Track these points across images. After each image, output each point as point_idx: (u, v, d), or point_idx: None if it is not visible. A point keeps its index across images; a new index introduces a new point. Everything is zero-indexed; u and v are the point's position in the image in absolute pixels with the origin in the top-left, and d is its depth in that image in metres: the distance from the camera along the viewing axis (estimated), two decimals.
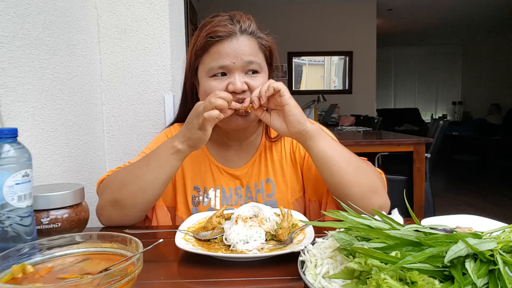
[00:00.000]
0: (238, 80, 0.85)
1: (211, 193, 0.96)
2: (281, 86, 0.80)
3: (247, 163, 0.99)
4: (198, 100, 0.96)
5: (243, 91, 0.86)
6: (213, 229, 0.77)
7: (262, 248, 0.68)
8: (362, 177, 0.83)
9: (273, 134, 1.01)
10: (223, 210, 0.83)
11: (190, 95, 0.99)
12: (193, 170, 0.98)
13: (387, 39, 8.34)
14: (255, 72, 0.89)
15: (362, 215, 0.56)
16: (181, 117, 1.05)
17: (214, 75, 0.87)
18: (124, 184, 0.83)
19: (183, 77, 1.00)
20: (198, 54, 0.89)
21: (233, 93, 0.85)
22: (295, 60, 6.45)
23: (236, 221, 0.72)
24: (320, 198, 0.96)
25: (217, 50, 0.86)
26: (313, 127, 0.83)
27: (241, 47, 0.86)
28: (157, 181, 0.82)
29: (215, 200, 0.96)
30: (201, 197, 0.96)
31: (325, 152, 0.82)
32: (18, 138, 0.65)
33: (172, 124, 1.08)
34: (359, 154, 1.00)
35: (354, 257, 0.47)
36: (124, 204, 0.83)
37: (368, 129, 4.05)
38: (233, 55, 0.85)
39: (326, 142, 0.83)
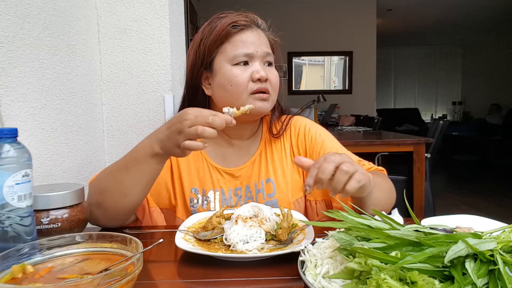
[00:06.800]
0: (262, 69, 0.89)
1: (210, 195, 0.96)
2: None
3: (247, 162, 0.98)
4: (201, 97, 0.94)
5: (266, 80, 0.89)
6: (213, 229, 0.77)
7: (262, 248, 0.68)
8: (389, 200, 0.89)
9: (276, 129, 1.00)
10: (223, 210, 0.83)
11: (192, 92, 0.95)
12: (190, 172, 0.96)
13: (387, 39, 8.34)
14: (270, 64, 0.93)
15: (362, 215, 0.56)
16: None
17: (237, 64, 0.88)
18: (106, 187, 0.81)
19: (185, 75, 0.97)
20: (217, 44, 0.89)
21: (258, 80, 0.88)
22: (295, 60, 6.45)
23: (236, 221, 0.72)
24: (328, 197, 0.96)
25: (240, 39, 0.89)
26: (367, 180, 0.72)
27: (261, 38, 0.91)
28: (138, 186, 0.78)
29: (214, 202, 0.95)
30: (200, 200, 0.95)
31: (370, 196, 0.79)
32: (18, 138, 0.65)
33: None
34: (359, 154, 1.00)
35: (354, 257, 0.47)
36: (107, 207, 0.81)
37: (368, 129, 4.05)
38: (255, 44, 0.89)
39: (375, 189, 0.78)
